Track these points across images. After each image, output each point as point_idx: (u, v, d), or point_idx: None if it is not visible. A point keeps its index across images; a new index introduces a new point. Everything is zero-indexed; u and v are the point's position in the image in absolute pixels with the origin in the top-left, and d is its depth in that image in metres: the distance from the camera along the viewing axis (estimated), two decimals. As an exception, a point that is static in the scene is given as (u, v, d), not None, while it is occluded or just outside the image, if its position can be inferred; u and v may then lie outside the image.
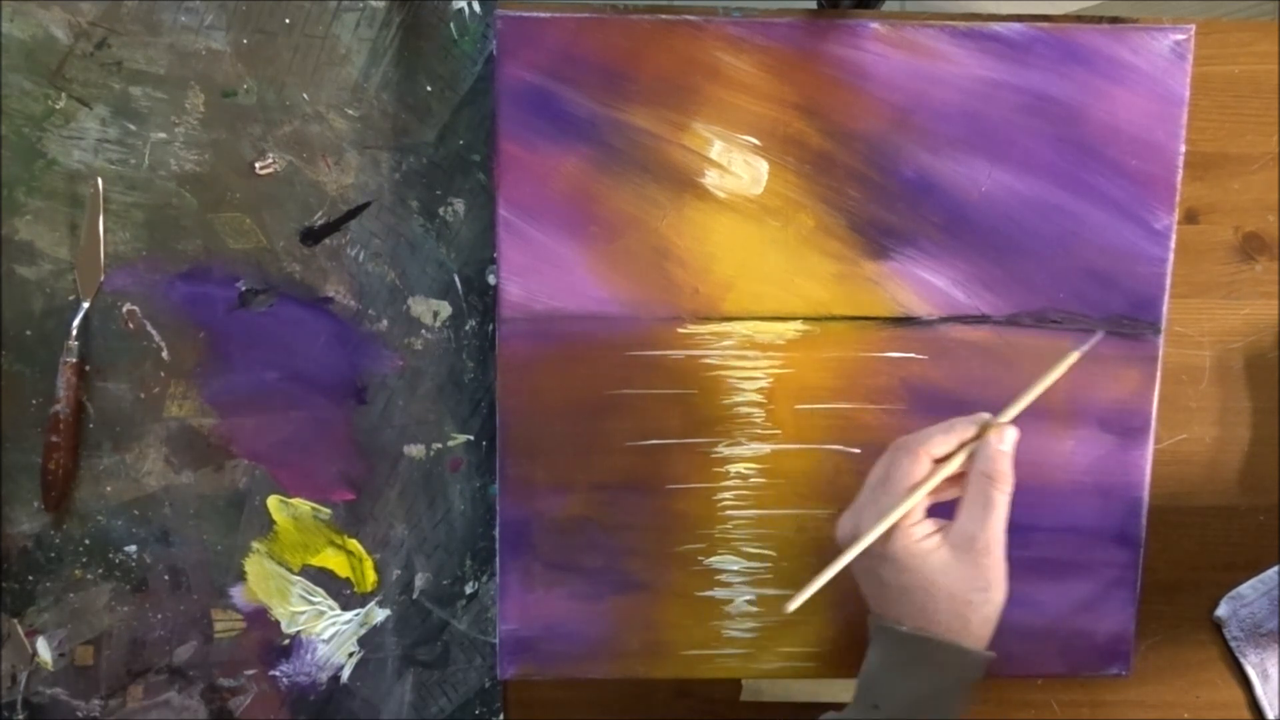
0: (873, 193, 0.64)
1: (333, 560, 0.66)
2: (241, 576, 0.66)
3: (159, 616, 0.66)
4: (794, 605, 0.54)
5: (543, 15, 0.62)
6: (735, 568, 0.66)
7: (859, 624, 0.67)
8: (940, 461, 0.54)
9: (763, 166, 0.64)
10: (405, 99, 0.64)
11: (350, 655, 0.67)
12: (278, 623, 0.66)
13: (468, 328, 0.66)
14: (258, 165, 0.63)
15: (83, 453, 0.64)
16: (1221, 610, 0.69)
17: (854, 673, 0.67)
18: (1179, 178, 0.64)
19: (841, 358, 0.65)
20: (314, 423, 0.65)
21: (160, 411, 0.64)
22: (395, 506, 0.66)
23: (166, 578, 0.65)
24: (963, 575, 0.53)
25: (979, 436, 0.54)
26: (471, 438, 0.66)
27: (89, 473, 0.64)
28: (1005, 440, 0.54)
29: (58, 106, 0.62)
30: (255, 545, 0.66)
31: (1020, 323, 0.65)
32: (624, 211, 0.63)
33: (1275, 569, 0.69)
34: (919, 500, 0.53)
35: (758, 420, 0.65)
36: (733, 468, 0.66)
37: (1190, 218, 0.67)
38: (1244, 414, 0.68)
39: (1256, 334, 0.68)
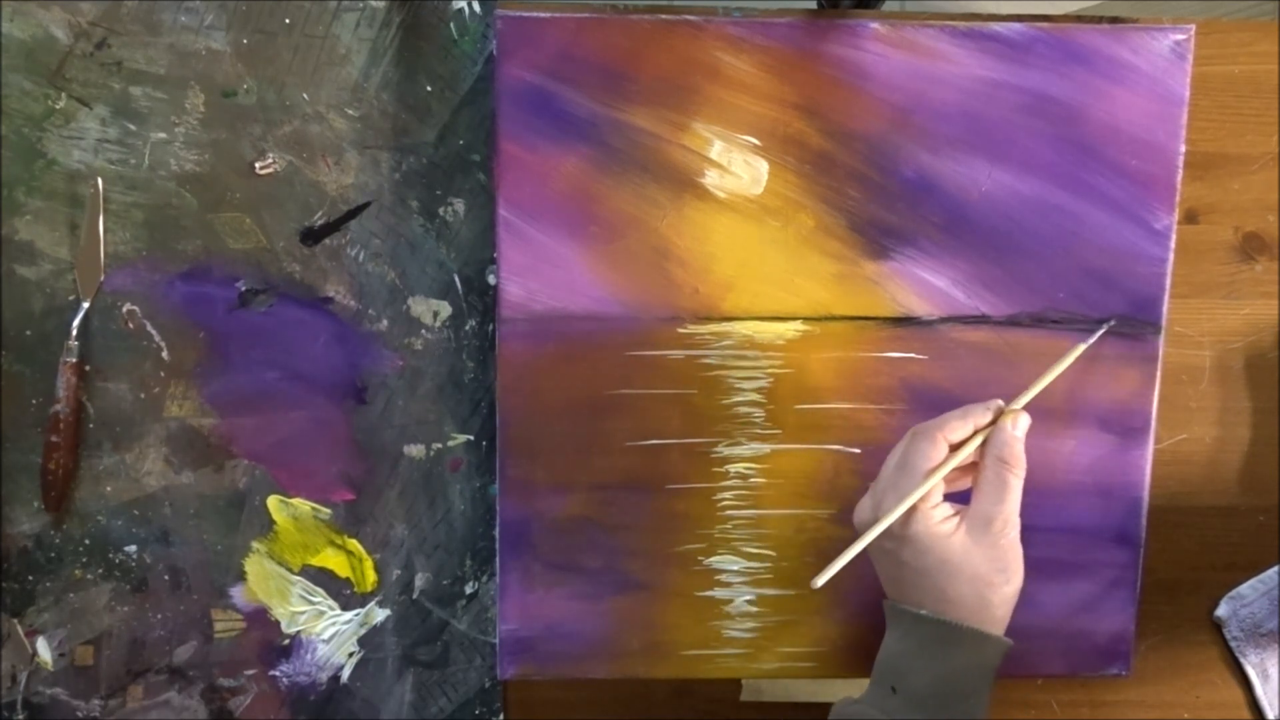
0: (873, 193, 0.64)
1: (333, 560, 0.66)
2: (241, 576, 0.66)
3: (159, 616, 0.66)
4: (821, 581, 0.55)
5: (543, 15, 0.62)
6: (735, 568, 0.66)
7: (859, 624, 0.67)
8: (956, 447, 0.56)
9: (763, 166, 0.64)
10: (405, 99, 0.64)
11: (350, 655, 0.67)
12: (278, 623, 0.66)
13: (468, 328, 0.66)
14: (258, 165, 0.63)
15: (83, 453, 0.64)
16: (1221, 610, 0.69)
17: (854, 673, 0.68)
18: (1179, 178, 0.64)
19: (841, 358, 0.65)
20: (314, 423, 0.65)
21: (160, 411, 0.64)
22: (395, 506, 0.66)
23: (166, 578, 0.65)
24: (983, 557, 0.54)
25: (993, 422, 0.56)
26: (471, 438, 0.66)
27: (89, 473, 0.64)
28: (1019, 426, 0.56)
29: (58, 106, 0.62)
30: (255, 545, 0.66)
31: (1020, 323, 0.65)
32: (624, 211, 0.63)
33: (1275, 569, 0.69)
34: (937, 482, 0.55)
35: (758, 420, 0.65)
36: (733, 468, 0.66)
37: (1190, 218, 0.67)
38: (1244, 414, 0.68)
39: (1256, 334, 0.68)
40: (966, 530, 0.55)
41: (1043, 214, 0.64)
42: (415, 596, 0.67)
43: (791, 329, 0.65)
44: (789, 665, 0.67)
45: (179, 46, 0.62)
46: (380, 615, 0.67)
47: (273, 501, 0.65)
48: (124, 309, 0.64)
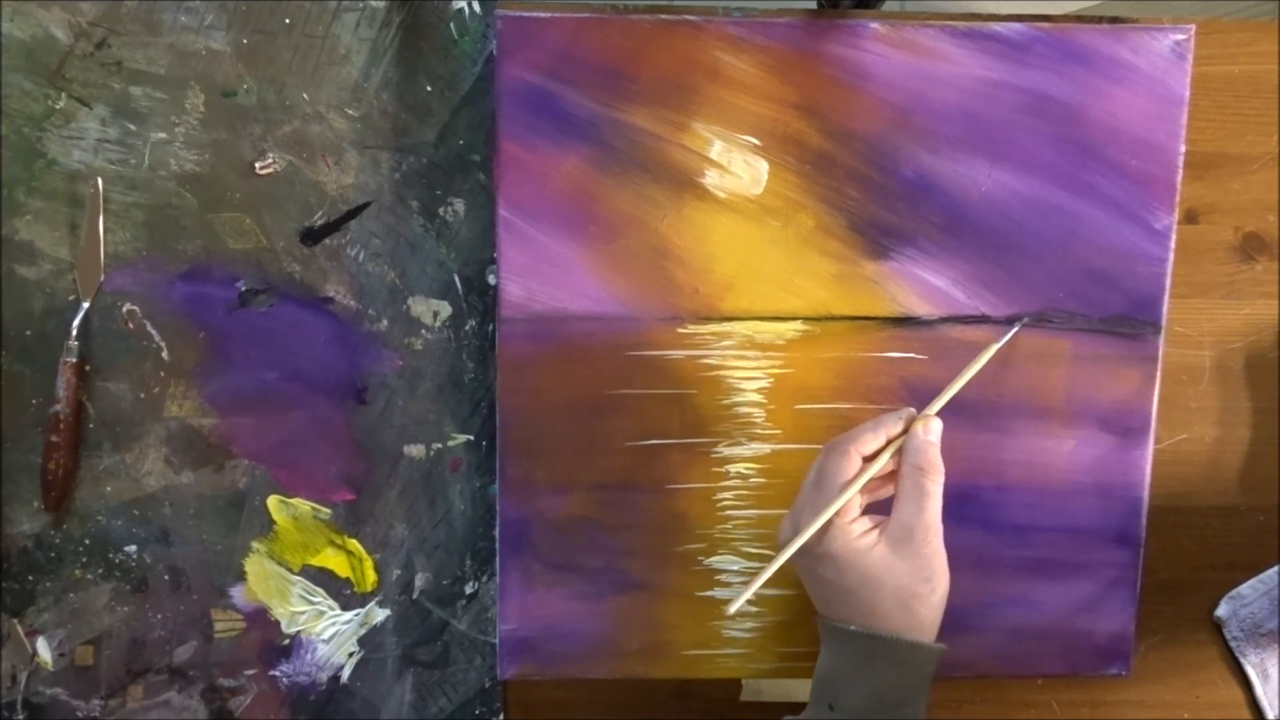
0: (873, 193, 0.64)
1: (333, 560, 0.66)
2: (241, 576, 0.66)
3: (159, 616, 0.66)
4: (734, 608, 0.55)
5: (543, 15, 0.62)
6: (735, 568, 0.66)
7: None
8: (871, 459, 0.55)
9: (763, 166, 0.64)
10: (405, 99, 0.64)
11: (350, 655, 0.67)
12: (278, 623, 0.66)
13: (468, 328, 0.66)
14: (258, 165, 0.63)
15: (83, 453, 0.64)
16: (1221, 610, 0.69)
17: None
18: (1179, 178, 0.64)
19: (841, 358, 0.65)
20: (314, 423, 0.65)
21: (160, 411, 0.64)
22: (395, 506, 0.66)
23: (166, 578, 0.65)
24: (905, 568, 0.53)
25: (906, 431, 0.55)
26: (471, 438, 0.66)
27: (89, 473, 0.64)
28: (932, 431, 0.55)
29: (58, 106, 0.62)
30: (255, 545, 0.66)
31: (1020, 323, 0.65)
32: (624, 211, 0.63)
33: (1275, 569, 0.69)
34: (851, 497, 0.54)
35: (758, 420, 0.65)
36: (733, 468, 0.66)
37: (1190, 218, 0.67)
38: (1244, 414, 0.68)
39: (1256, 334, 0.68)
40: (887, 543, 0.54)
41: (1043, 214, 0.64)
42: (415, 596, 0.67)
43: (791, 329, 0.65)
44: (789, 665, 0.67)
45: (179, 46, 0.62)
46: (380, 615, 0.67)
47: (273, 501, 0.65)
48: (124, 309, 0.64)
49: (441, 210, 0.65)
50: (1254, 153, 0.66)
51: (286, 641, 0.66)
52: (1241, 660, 0.69)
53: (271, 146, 0.63)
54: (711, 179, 0.63)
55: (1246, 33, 0.65)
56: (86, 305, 0.63)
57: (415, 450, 0.66)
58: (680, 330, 0.65)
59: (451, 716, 0.68)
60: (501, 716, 0.68)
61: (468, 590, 0.67)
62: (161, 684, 0.66)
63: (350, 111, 0.63)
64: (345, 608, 0.66)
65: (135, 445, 0.64)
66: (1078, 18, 0.63)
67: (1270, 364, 0.68)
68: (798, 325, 0.65)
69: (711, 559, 0.66)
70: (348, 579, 0.66)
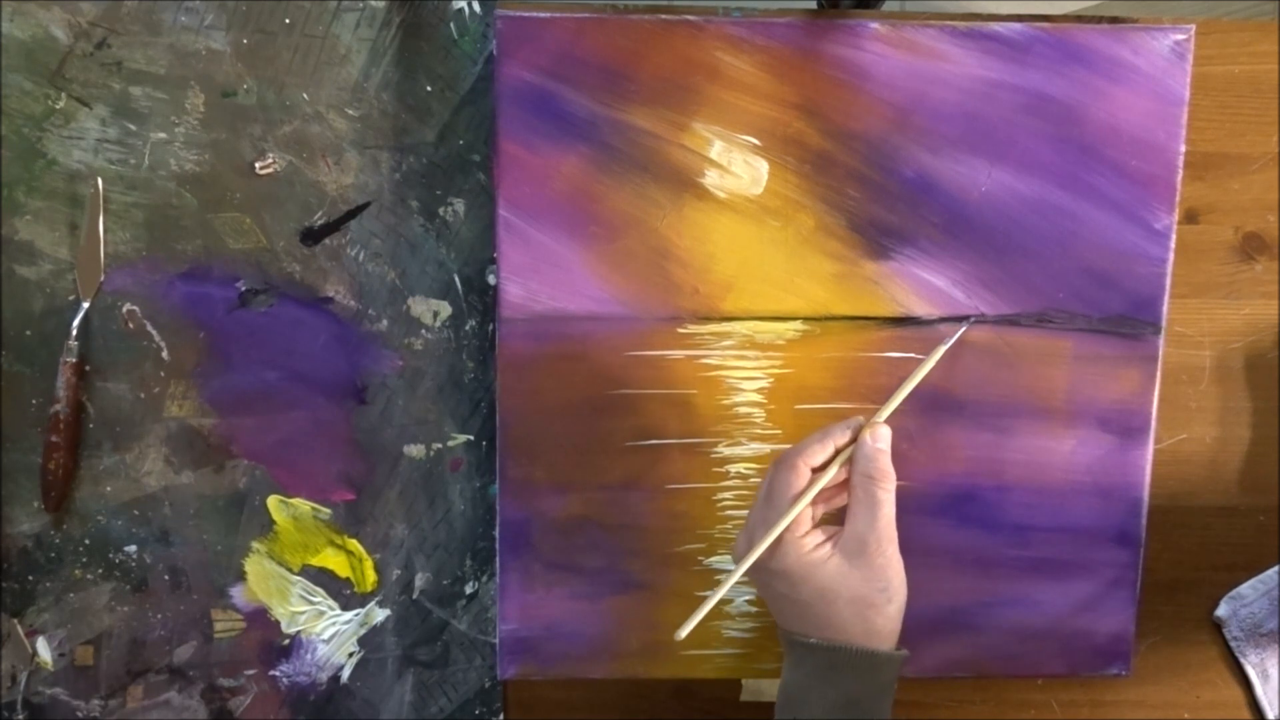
0: (873, 193, 0.64)
1: (333, 560, 0.66)
2: (241, 576, 0.66)
3: (159, 616, 0.66)
4: (684, 632, 0.55)
5: (543, 15, 0.62)
6: (734, 567, 0.66)
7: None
8: (820, 470, 0.54)
9: (763, 166, 0.64)
10: (405, 99, 0.64)
11: (350, 655, 0.67)
12: (278, 623, 0.66)
13: (468, 328, 0.66)
14: (258, 165, 0.63)
15: (83, 453, 0.64)
16: (1221, 610, 0.69)
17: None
18: (1179, 178, 0.64)
19: (841, 358, 0.65)
20: (314, 423, 0.65)
21: (160, 411, 0.64)
22: (395, 506, 0.66)
23: (166, 578, 0.65)
24: (860, 578, 0.53)
25: (854, 440, 0.55)
26: (471, 438, 0.66)
27: (89, 473, 0.64)
28: (880, 439, 0.54)
29: (58, 106, 0.62)
30: (255, 545, 0.66)
31: (1020, 323, 0.65)
32: (624, 211, 0.63)
33: (1275, 569, 0.69)
34: (800, 511, 0.53)
35: (758, 420, 0.65)
36: (733, 468, 0.66)
37: (1190, 218, 0.67)
38: (1244, 414, 0.68)
39: (1256, 334, 0.68)
40: (841, 554, 0.53)
41: (1043, 214, 0.64)
42: (415, 596, 0.67)
43: (791, 329, 0.65)
44: (789, 665, 0.67)
45: (179, 46, 0.62)
46: (380, 615, 0.67)
47: (273, 501, 0.65)
48: (124, 309, 0.64)
49: (441, 210, 0.65)
50: (1254, 153, 0.66)
51: (286, 641, 0.66)
52: (1241, 660, 0.69)
53: (271, 146, 0.63)
54: (711, 179, 0.63)
55: (1246, 33, 0.65)
56: (86, 305, 0.63)
57: (415, 450, 0.66)
58: (680, 330, 0.65)
59: (451, 716, 0.68)
60: (501, 716, 0.68)
61: (468, 590, 0.67)
62: (161, 684, 0.66)
63: (350, 111, 0.63)
64: (345, 608, 0.66)
65: (135, 445, 0.64)
66: (1078, 18, 0.63)
67: (1270, 364, 0.68)
68: (798, 325, 0.65)
69: (711, 559, 0.66)
70: (348, 579, 0.66)
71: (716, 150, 0.63)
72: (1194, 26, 0.63)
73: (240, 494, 0.65)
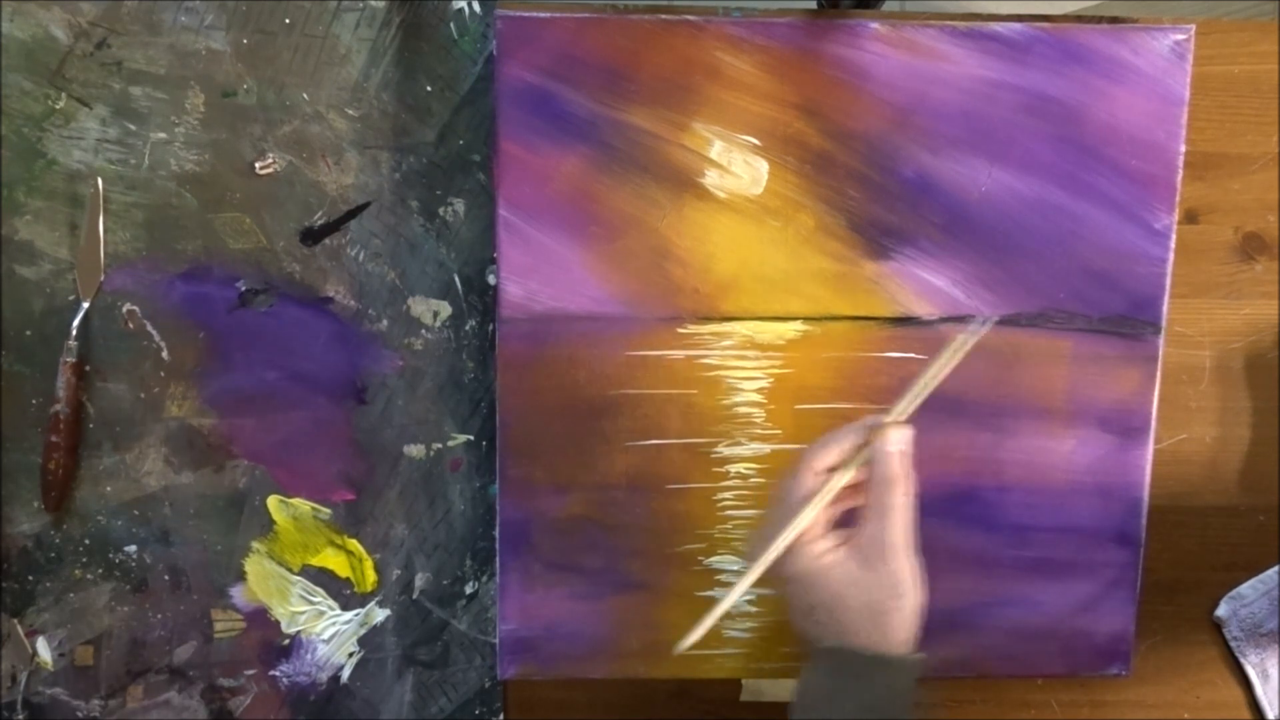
0: (873, 193, 0.64)
1: (333, 560, 0.66)
2: (241, 576, 0.66)
3: (159, 616, 0.66)
4: (686, 645, 0.53)
5: (543, 15, 0.62)
6: (735, 568, 0.66)
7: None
8: (835, 471, 0.53)
9: (763, 166, 0.64)
10: (405, 99, 0.64)
11: (350, 655, 0.67)
12: (278, 623, 0.66)
13: (468, 328, 0.66)
14: (258, 165, 0.63)
15: (83, 453, 0.64)
16: (1221, 610, 0.69)
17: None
18: (1179, 178, 0.64)
19: (841, 358, 0.65)
20: (314, 423, 0.65)
21: (160, 411, 0.64)
22: (395, 506, 0.66)
23: (166, 578, 0.65)
24: (872, 583, 0.51)
25: (870, 441, 0.52)
26: (471, 438, 0.66)
27: (89, 473, 0.64)
28: (893, 441, 0.52)
29: (58, 106, 0.62)
30: (255, 545, 0.66)
31: (1020, 323, 0.65)
32: (624, 211, 0.63)
33: (1275, 569, 0.69)
34: (810, 517, 0.52)
35: (758, 420, 0.65)
36: (733, 468, 0.66)
37: (1190, 218, 0.67)
38: (1244, 414, 0.68)
39: (1256, 334, 0.68)
40: (853, 559, 0.52)
41: (1043, 214, 0.64)
42: (415, 596, 0.67)
43: (791, 329, 0.65)
44: (789, 665, 0.67)
45: (179, 46, 0.62)
46: (380, 615, 0.67)
47: (273, 501, 0.65)
48: (124, 309, 0.64)
49: (441, 210, 0.65)
50: (1254, 153, 0.66)
51: (286, 641, 0.66)
52: (1241, 660, 0.69)
53: (271, 146, 0.63)
54: (711, 179, 0.63)
55: (1246, 33, 0.65)
56: (86, 305, 0.63)
57: (415, 450, 0.66)
58: (680, 330, 0.65)
59: (451, 716, 0.68)
60: (501, 716, 0.68)
61: (468, 590, 0.67)
62: (161, 684, 0.66)
63: (350, 111, 0.63)
64: (345, 608, 0.66)
65: (135, 445, 0.64)
66: (1078, 18, 0.63)
67: (1270, 364, 0.68)
68: (798, 325, 0.65)
69: (711, 559, 0.66)
70: (348, 579, 0.66)
71: (716, 150, 0.63)
72: (1194, 26, 0.63)
73: (240, 494, 0.65)
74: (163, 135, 0.63)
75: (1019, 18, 0.63)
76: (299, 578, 0.66)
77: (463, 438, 0.66)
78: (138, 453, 0.64)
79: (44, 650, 0.65)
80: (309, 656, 0.66)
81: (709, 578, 0.66)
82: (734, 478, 0.66)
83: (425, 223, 0.65)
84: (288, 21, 0.63)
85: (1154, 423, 0.66)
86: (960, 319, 0.65)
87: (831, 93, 0.63)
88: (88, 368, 0.64)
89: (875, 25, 0.63)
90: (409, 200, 0.64)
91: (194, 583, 0.65)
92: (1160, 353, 0.65)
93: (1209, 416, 0.68)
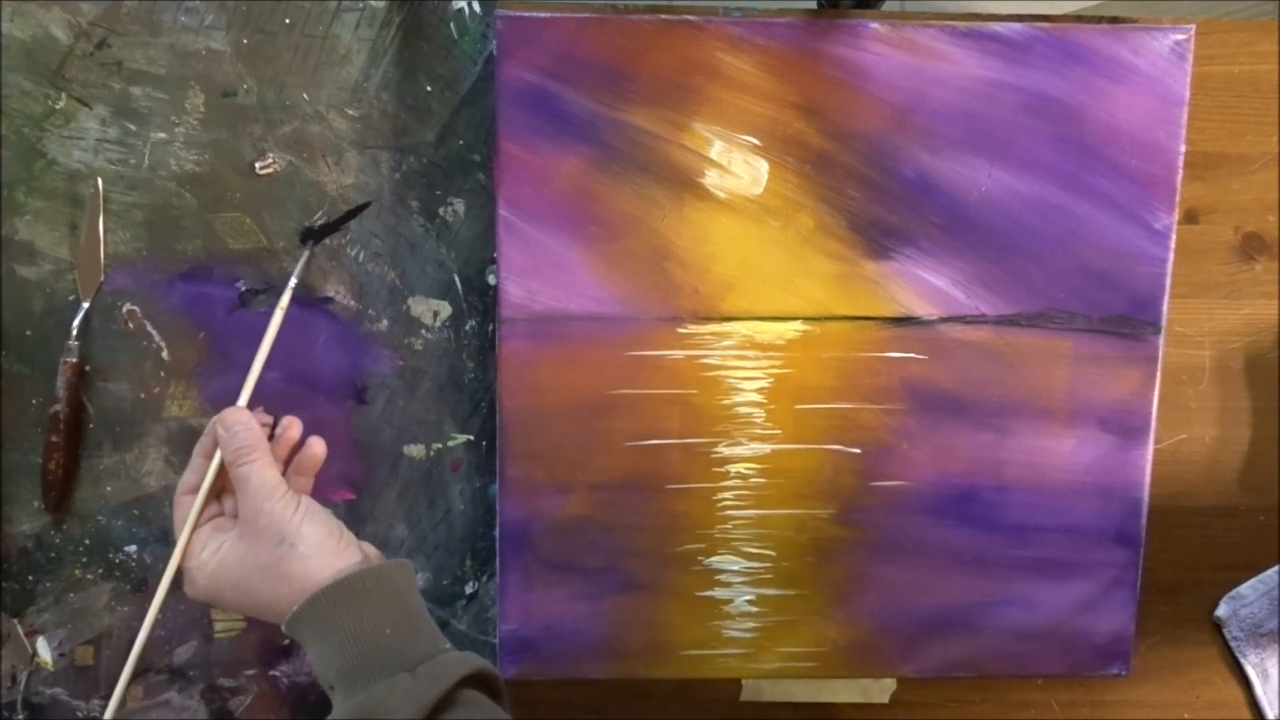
0: (873, 193, 0.64)
1: (333, 560, 0.66)
2: (241, 576, 0.66)
3: (159, 616, 0.65)
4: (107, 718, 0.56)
5: (543, 15, 0.62)
6: (735, 568, 0.66)
7: (859, 624, 0.67)
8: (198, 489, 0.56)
9: (763, 166, 0.64)
10: (405, 99, 0.64)
11: (350, 655, 0.67)
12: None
13: (468, 328, 0.66)
14: (258, 165, 0.63)
15: (83, 453, 0.64)
16: (1221, 610, 0.69)
17: (854, 672, 0.68)
18: (1179, 178, 0.64)
19: (841, 358, 0.65)
20: (314, 423, 0.65)
21: (160, 411, 0.64)
22: (395, 506, 0.66)
23: (166, 578, 0.65)
24: (255, 549, 0.53)
25: (214, 440, 0.56)
26: (471, 438, 0.66)
27: (89, 473, 0.64)
28: (225, 424, 0.55)
29: (58, 106, 0.62)
30: (255, 545, 0.65)
31: (1020, 323, 0.65)
32: (624, 211, 0.63)
33: (1275, 569, 0.69)
34: (188, 535, 0.55)
35: (758, 420, 0.65)
36: (733, 468, 0.66)
37: (1190, 218, 0.67)
38: (1244, 414, 0.68)
39: (1256, 334, 0.68)
40: (236, 537, 0.54)
41: (1043, 214, 0.64)
42: (415, 596, 0.67)
43: (791, 329, 0.65)
44: (789, 665, 0.67)
45: (179, 46, 0.62)
46: (380, 615, 0.67)
47: (273, 501, 0.65)
48: (124, 309, 0.64)
49: (441, 210, 0.65)
50: (1254, 153, 0.66)
51: (286, 641, 0.66)
52: (1241, 660, 0.69)
53: (271, 146, 0.63)
54: (711, 179, 0.63)
55: (1246, 33, 0.65)
56: (86, 305, 0.63)
57: (415, 450, 0.66)
58: (680, 330, 0.64)
59: (451, 716, 0.68)
60: (501, 716, 0.68)
61: (468, 590, 0.67)
62: (161, 684, 0.66)
63: (350, 111, 0.63)
64: (345, 608, 0.66)
65: (135, 445, 0.64)
66: (1078, 18, 0.63)
67: (1270, 364, 0.68)
68: (798, 325, 0.65)
69: (711, 559, 0.66)
70: (348, 579, 0.66)
71: (716, 150, 0.63)
72: (1194, 26, 0.63)
73: (240, 494, 0.65)
74: (163, 135, 0.63)
75: (1019, 18, 0.63)
76: (299, 578, 0.66)
77: (463, 438, 0.66)
78: (138, 453, 0.64)
79: (44, 650, 0.65)
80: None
81: (709, 578, 0.66)
82: (734, 478, 0.66)
83: (425, 223, 0.65)
84: (288, 21, 0.63)
85: (1154, 423, 0.66)
86: (960, 319, 0.65)
87: (831, 93, 0.63)
88: (88, 368, 0.63)
89: (875, 25, 0.63)
90: (409, 200, 0.64)
91: (194, 583, 0.65)
92: (1160, 353, 0.65)
93: (1209, 416, 0.68)
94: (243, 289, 0.64)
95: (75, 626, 0.65)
